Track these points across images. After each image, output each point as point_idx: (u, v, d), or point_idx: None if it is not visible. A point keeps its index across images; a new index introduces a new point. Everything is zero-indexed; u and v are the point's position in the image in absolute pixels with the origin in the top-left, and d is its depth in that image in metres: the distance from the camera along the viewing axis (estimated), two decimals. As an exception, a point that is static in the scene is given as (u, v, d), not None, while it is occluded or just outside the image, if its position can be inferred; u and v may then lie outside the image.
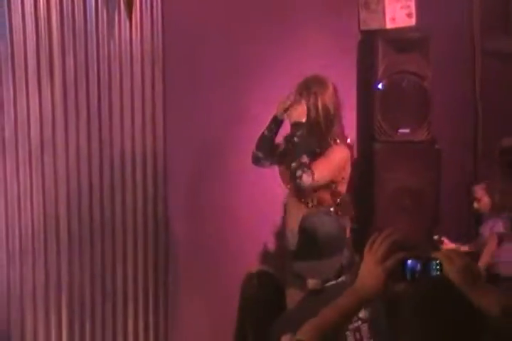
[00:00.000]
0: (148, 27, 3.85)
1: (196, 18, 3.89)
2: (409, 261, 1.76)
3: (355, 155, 3.74)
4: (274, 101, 3.79)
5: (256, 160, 3.53)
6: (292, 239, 3.20)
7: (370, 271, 1.77)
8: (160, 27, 3.85)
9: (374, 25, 4.10)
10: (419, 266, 1.75)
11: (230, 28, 3.95)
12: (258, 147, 3.49)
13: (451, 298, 1.75)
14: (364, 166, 4.03)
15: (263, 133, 3.47)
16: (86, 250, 3.85)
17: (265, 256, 4.05)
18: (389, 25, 4.02)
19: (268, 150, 3.48)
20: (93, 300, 3.87)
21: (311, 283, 2.53)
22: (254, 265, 3.92)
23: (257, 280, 2.76)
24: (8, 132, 3.69)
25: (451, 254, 1.77)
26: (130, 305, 3.93)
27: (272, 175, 3.73)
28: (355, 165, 3.61)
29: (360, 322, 2.44)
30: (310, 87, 3.36)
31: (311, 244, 2.50)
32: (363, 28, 4.16)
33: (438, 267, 1.75)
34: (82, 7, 3.71)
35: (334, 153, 3.36)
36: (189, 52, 3.93)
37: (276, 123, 3.44)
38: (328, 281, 2.50)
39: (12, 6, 3.60)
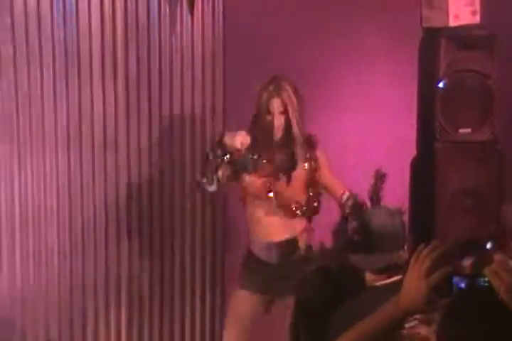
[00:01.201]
0: (210, 22, 3.88)
1: (257, 13, 3.89)
2: (455, 278, 1.71)
3: (415, 153, 3.70)
4: (333, 97, 3.81)
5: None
6: (276, 250, 3.23)
7: (413, 284, 1.73)
8: (221, 22, 3.88)
9: (437, 23, 4.04)
10: (464, 283, 1.70)
11: (291, 23, 3.95)
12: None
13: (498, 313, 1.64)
14: (424, 166, 3.98)
15: (207, 156, 3.33)
16: (145, 243, 3.91)
17: (323, 252, 4.04)
18: (452, 23, 3.96)
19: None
20: (152, 293, 3.93)
21: (368, 276, 2.52)
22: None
23: (314, 278, 2.75)
24: (73, 129, 3.76)
25: (501, 270, 1.63)
26: (187, 295, 3.97)
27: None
28: (415, 164, 3.57)
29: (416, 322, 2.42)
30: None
31: (364, 236, 2.49)
32: (425, 25, 4.10)
33: (486, 284, 1.66)
34: (145, 3, 3.76)
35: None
36: (249, 47, 3.94)
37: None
38: (383, 278, 2.48)
39: (79, 4, 3.66)
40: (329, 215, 3.98)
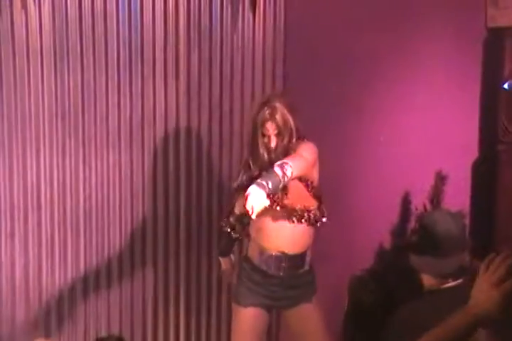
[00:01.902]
0: (271, 22, 3.89)
1: (318, 14, 3.88)
2: None
3: (477, 156, 3.63)
4: (393, 98, 3.76)
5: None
6: (286, 263, 3.16)
7: (484, 292, 1.72)
8: (282, 23, 3.88)
9: (502, 23, 3.96)
10: None
11: (352, 24, 3.93)
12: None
13: None
14: (487, 168, 3.92)
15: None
16: (193, 244, 3.95)
17: (380, 254, 4.02)
18: (519, 23, 3.89)
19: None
20: (209, 292, 3.98)
21: (426, 279, 2.49)
22: (368, 264, 3.92)
23: (367, 282, 2.74)
24: (135, 126, 3.82)
25: None
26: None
27: (388, 172, 3.69)
28: (477, 166, 3.52)
29: None
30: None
31: (429, 239, 2.46)
32: (490, 25, 4.03)
33: None
34: (208, 4, 3.80)
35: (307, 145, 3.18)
36: (310, 49, 3.94)
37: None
38: (444, 282, 2.45)
39: (144, 4, 3.72)
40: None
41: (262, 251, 3.17)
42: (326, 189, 3.95)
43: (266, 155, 3.15)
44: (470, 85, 3.95)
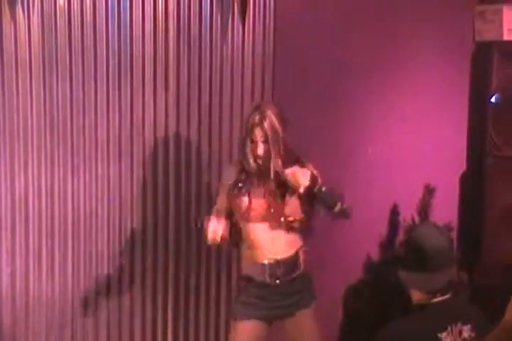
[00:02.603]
0: (260, 32, 3.90)
1: (308, 24, 3.91)
2: None
3: (465, 168, 3.64)
4: (383, 110, 3.76)
5: None
6: (280, 269, 3.17)
7: None
8: (272, 32, 3.90)
9: (490, 36, 4.00)
10: None
11: (341, 33, 3.95)
12: None
13: None
14: (474, 181, 3.94)
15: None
16: (193, 247, 3.94)
17: (368, 267, 4.03)
18: (506, 37, 3.91)
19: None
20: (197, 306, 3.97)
21: (414, 294, 2.49)
22: (357, 276, 3.92)
23: (361, 293, 2.75)
24: (124, 137, 3.81)
25: None
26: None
27: (377, 184, 3.70)
28: (465, 179, 3.54)
29: None
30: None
31: (418, 255, 2.46)
32: (477, 38, 4.07)
33: None
34: (197, 13, 3.80)
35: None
36: (299, 58, 3.96)
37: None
38: (432, 297, 2.46)
39: (133, 15, 3.72)
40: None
41: (254, 262, 3.20)
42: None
43: (252, 162, 3.16)
44: (458, 98, 3.98)
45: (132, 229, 3.86)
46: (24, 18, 3.56)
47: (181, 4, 3.77)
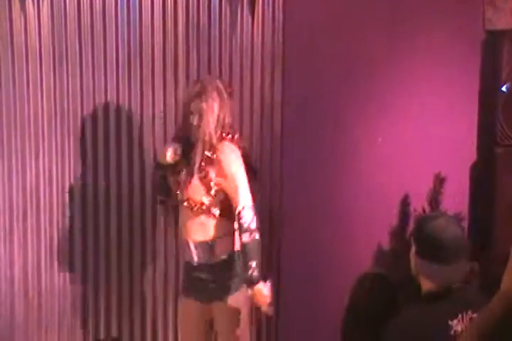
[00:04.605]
0: (270, 23, 3.89)
1: (317, 15, 3.89)
2: None
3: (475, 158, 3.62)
4: (392, 100, 3.75)
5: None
6: (196, 250, 3.20)
7: None
8: (281, 23, 3.89)
9: (500, 25, 3.97)
10: None
11: (350, 26, 3.93)
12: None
13: None
14: (485, 171, 3.93)
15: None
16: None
17: (379, 257, 4.02)
18: (517, 25, 3.89)
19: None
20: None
21: (425, 283, 2.48)
22: (367, 266, 3.91)
23: (370, 283, 2.73)
24: (135, 125, 3.81)
25: None
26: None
27: (387, 173, 3.69)
28: (475, 169, 3.52)
29: None
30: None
31: (435, 246, 2.44)
32: (487, 27, 4.04)
33: None
34: (206, 4, 3.80)
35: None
36: (309, 50, 3.94)
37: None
38: (442, 285, 2.45)
39: (143, 5, 3.72)
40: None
41: (182, 239, 3.29)
42: (324, 190, 3.98)
43: (191, 136, 3.21)
44: (468, 88, 3.95)
45: (143, 217, 3.87)
46: (34, 9, 3.57)
47: (190, -6, 3.77)
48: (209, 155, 3.18)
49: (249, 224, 3.08)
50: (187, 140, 3.24)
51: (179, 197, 3.25)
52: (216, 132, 3.19)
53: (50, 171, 3.74)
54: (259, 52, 3.90)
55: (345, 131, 4.01)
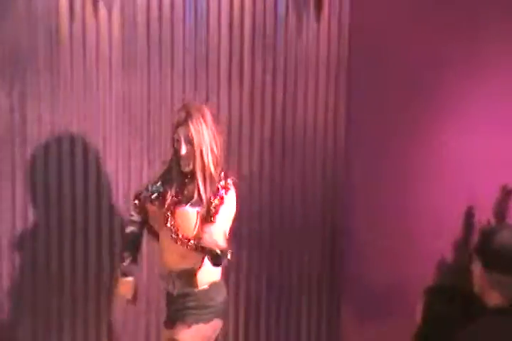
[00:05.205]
0: (336, 29, 3.92)
1: (384, 23, 3.89)
2: None
3: None
4: (456, 110, 3.69)
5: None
6: (175, 280, 3.03)
7: None
8: (347, 31, 3.91)
9: None
10: None
11: (418, 32, 3.91)
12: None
13: None
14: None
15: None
16: (265, 246, 3.96)
17: (443, 269, 3.95)
18: None
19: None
20: (269, 295, 3.98)
21: (495, 298, 2.42)
22: (431, 278, 3.85)
23: (442, 296, 2.68)
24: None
25: None
26: (304, 302, 4.01)
27: (452, 183, 3.63)
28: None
29: None
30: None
31: (505, 258, 2.38)
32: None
33: None
34: (273, 12, 3.84)
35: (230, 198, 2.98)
36: (375, 58, 3.93)
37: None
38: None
39: (210, 11, 3.79)
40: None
41: (162, 265, 3.13)
42: (390, 201, 3.94)
43: (175, 162, 3.03)
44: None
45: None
46: (106, 14, 3.67)
47: (257, 2, 3.82)
48: (219, 189, 2.97)
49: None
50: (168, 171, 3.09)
51: (168, 230, 3.03)
52: (214, 164, 2.98)
53: (116, 173, 3.81)
54: (325, 61, 3.92)
55: (410, 138, 3.98)
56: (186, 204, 2.96)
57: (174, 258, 3.02)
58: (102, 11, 3.66)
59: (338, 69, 3.93)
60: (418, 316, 2.77)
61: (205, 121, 2.97)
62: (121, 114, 3.76)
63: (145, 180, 3.81)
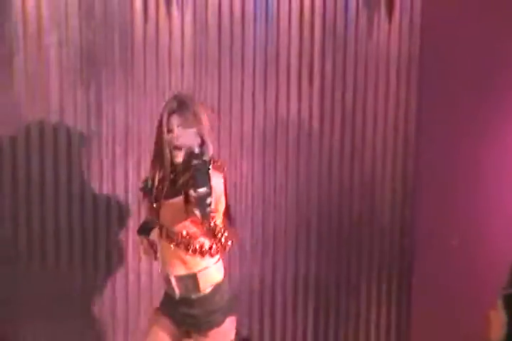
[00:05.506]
0: (407, 30, 3.90)
1: (455, 21, 3.85)
2: None
3: None
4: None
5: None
6: (176, 285, 2.87)
7: None
8: (418, 31, 3.88)
9: None
10: None
11: (489, 30, 3.85)
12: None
13: None
14: None
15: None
16: (333, 247, 3.97)
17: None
18: None
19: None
20: (338, 294, 3.98)
21: None
22: (503, 278, 3.78)
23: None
24: (269, 131, 3.88)
25: None
26: (373, 301, 4.00)
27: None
28: None
29: None
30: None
31: None
32: None
33: None
34: (343, 11, 3.85)
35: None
36: (446, 58, 3.90)
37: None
38: None
39: (280, 10, 3.82)
40: None
41: (162, 272, 2.97)
42: (459, 195, 3.88)
43: (169, 155, 2.79)
44: None
45: (274, 223, 3.91)
46: (178, 15, 3.74)
47: (327, 2, 3.83)
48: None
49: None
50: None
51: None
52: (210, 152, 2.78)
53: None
54: (396, 61, 3.90)
55: (484, 139, 3.92)
56: (178, 196, 2.74)
57: (171, 260, 2.88)
58: (175, 13, 3.73)
59: (408, 68, 3.91)
60: (495, 320, 2.72)
61: (198, 108, 2.81)
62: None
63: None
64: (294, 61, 3.85)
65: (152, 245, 3.01)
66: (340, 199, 3.97)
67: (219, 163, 2.85)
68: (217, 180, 2.72)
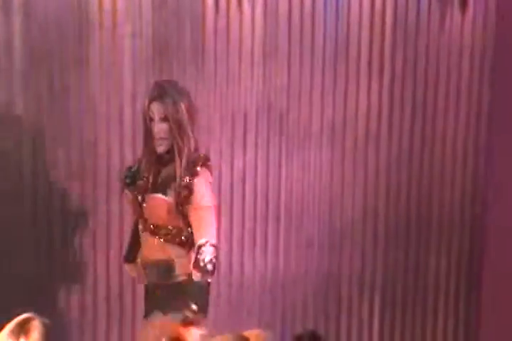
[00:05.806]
0: (481, 22, 3.82)
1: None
2: None
3: None
4: None
5: None
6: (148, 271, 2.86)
7: None
8: (493, 21, 3.80)
9: None
10: None
11: None
12: None
13: None
14: None
15: None
16: (401, 243, 3.92)
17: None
18: None
19: None
20: (405, 292, 3.93)
21: None
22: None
23: None
24: (338, 125, 3.87)
25: None
26: (441, 300, 3.94)
27: None
28: None
29: None
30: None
31: None
32: None
33: None
34: (415, 2, 3.80)
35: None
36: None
37: None
38: None
39: (351, 4, 3.80)
40: None
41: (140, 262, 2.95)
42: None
43: (150, 147, 2.78)
44: None
45: (341, 218, 3.88)
46: (249, 8, 3.75)
47: (398, -4, 3.80)
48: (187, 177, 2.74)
49: (206, 265, 2.71)
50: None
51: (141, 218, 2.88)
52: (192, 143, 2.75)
53: (256, 163, 3.87)
54: (468, 54, 3.83)
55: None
56: (162, 189, 2.77)
57: (151, 249, 2.86)
58: (246, 5, 3.75)
59: (482, 62, 3.84)
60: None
61: (180, 96, 2.75)
62: (261, 105, 3.81)
63: (283, 173, 3.86)
64: (364, 54, 3.83)
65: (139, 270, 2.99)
66: (408, 198, 3.92)
67: (199, 156, 2.80)
68: (200, 180, 2.73)
